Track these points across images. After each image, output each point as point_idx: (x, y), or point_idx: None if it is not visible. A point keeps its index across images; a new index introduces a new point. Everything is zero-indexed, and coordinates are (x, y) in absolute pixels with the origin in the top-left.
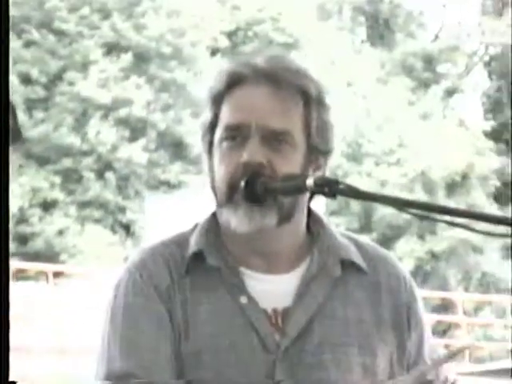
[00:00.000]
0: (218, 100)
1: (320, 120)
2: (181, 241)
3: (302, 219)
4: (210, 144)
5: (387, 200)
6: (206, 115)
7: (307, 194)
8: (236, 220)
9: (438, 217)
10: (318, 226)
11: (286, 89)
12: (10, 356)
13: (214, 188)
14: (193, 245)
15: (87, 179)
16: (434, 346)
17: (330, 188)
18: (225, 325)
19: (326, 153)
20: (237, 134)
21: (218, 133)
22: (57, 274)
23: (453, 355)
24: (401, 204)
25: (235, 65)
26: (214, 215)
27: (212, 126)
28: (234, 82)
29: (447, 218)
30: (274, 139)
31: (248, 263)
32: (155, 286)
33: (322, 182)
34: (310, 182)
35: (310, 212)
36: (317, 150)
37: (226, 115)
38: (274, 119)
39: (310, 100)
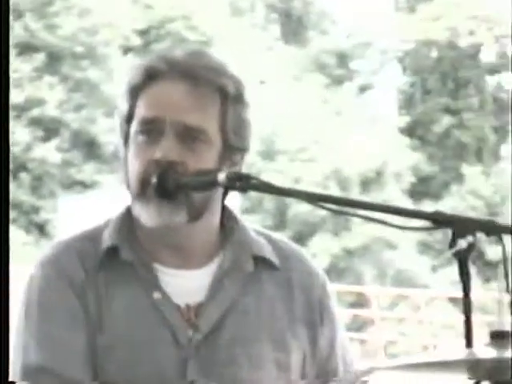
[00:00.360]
0: (134, 93)
1: (237, 117)
2: (94, 235)
3: (214, 216)
4: (126, 136)
5: (299, 194)
6: (123, 107)
7: (220, 191)
8: (146, 214)
9: (352, 211)
10: (232, 222)
11: (203, 86)
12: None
13: (126, 181)
14: (106, 239)
15: None
16: (347, 342)
17: (243, 183)
18: (138, 320)
19: (243, 150)
20: (151, 129)
21: (134, 126)
22: None
23: (370, 371)
24: (314, 198)
25: (153, 59)
26: (128, 210)
27: (128, 119)
28: (150, 76)
29: (362, 212)
30: (189, 136)
31: (161, 258)
32: (69, 281)
33: (234, 177)
34: (221, 176)
35: (223, 208)
36: (233, 148)
37: (141, 109)
38: (190, 116)
39: (228, 98)
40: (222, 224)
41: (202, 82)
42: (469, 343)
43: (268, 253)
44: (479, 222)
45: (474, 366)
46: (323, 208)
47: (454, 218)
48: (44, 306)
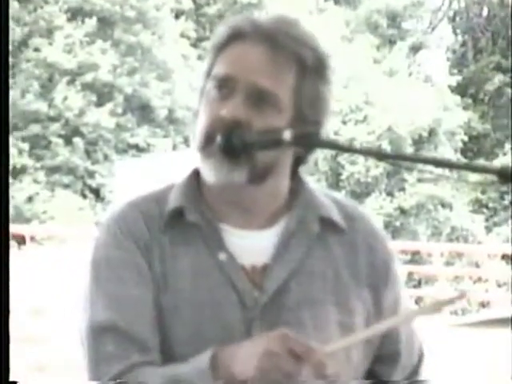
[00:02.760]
0: (215, 51)
1: (314, 90)
2: (160, 197)
3: (281, 181)
4: (202, 91)
5: (365, 151)
6: (206, 63)
7: (289, 156)
8: (206, 170)
9: (421, 167)
10: (300, 185)
11: (281, 52)
12: (10, 357)
13: (195, 135)
14: (172, 201)
15: (55, 145)
16: (409, 304)
17: (309, 140)
18: (203, 280)
19: (317, 123)
20: (223, 86)
21: (209, 82)
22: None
23: (432, 308)
24: (380, 155)
25: (238, 20)
26: (194, 171)
27: (207, 74)
28: (233, 36)
29: (430, 168)
30: (259, 98)
31: (227, 218)
32: (134, 239)
33: (300, 135)
34: (287, 134)
35: (294, 174)
36: (305, 119)
37: (218, 66)
38: (263, 78)
39: (305, 69)
40: (291, 188)
41: (280, 48)
42: None
43: (334, 215)
44: None
45: None
46: (391, 164)
47: None
48: (110, 263)
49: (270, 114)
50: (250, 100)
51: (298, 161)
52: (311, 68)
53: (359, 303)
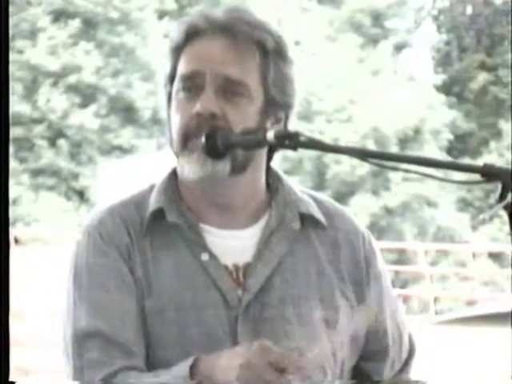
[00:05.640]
0: (175, 53)
1: (279, 73)
2: (139, 201)
3: (258, 174)
4: (169, 95)
5: (349, 151)
6: (166, 68)
7: (265, 150)
8: (189, 167)
9: (403, 167)
10: (277, 181)
11: (242, 41)
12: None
13: (170, 140)
14: (152, 203)
15: (39, 147)
16: (396, 300)
17: (291, 141)
18: (186, 282)
19: (287, 106)
20: (192, 85)
21: (175, 84)
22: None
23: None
24: (364, 154)
25: (194, 17)
26: (172, 173)
27: (171, 78)
28: (191, 34)
29: (411, 167)
30: (230, 90)
31: (208, 219)
32: (115, 245)
33: (283, 135)
34: (270, 135)
35: (268, 169)
36: (275, 103)
37: (182, 66)
38: (230, 69)
39: (268, 53)
40: (268, 184)
41: (240, 36)
42: None
43: (314, 211)
44: None
45: None
46: (373, 164)
47: (504, 170)
48: (92, 270)
49: (242, 102)
50: (220, 92)
51: (272, 152)
52: (272, 51)
53: (343, 299)
